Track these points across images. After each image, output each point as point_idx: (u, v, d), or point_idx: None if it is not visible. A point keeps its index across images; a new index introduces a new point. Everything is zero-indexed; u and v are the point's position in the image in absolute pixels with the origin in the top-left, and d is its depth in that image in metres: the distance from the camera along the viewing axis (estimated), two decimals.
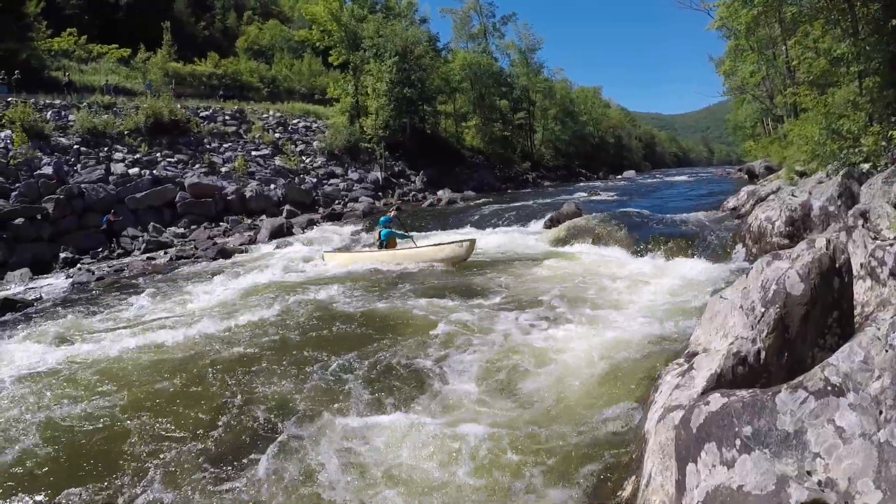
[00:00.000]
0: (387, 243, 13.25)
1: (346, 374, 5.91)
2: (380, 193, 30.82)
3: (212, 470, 4.33)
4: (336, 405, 5.23)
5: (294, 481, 4.09)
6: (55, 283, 13.19)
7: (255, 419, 5.08)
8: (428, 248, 12.79)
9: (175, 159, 24.90)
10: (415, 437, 4.58)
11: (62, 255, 16.34)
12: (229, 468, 4.34)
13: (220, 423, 5.05)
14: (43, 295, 11.89)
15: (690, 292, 8.37)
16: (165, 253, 16.61)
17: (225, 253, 15.87)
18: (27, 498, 4.16)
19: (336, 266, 12.87)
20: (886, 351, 2.34)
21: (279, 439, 4.62)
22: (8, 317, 10.02)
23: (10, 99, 24.01)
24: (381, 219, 14.04)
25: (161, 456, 4.57)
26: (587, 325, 7.00)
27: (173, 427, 5.06)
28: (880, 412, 2.23)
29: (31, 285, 13.21)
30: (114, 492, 4.16)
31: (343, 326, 7.78)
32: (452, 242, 12.70)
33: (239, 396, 5.56)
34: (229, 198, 23.22)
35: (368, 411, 5.10)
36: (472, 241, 12.60)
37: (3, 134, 20.77)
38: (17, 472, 4.47)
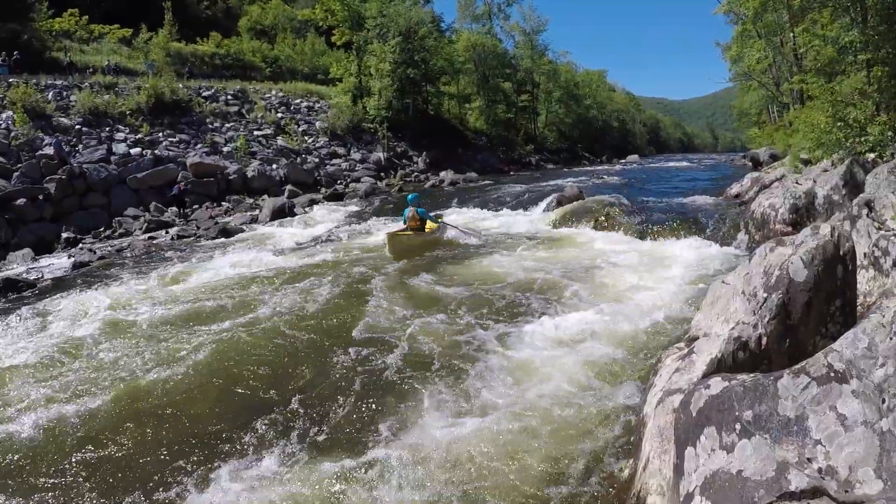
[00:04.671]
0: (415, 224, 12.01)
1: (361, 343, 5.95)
2: (382, 174, 30.67)
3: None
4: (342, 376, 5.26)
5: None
6: (57, 263, 13.18)
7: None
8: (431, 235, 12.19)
9: (177, 139, 24.74)
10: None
11: (64, 235, 16.30)
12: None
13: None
14: (44, 274, 11.91)
15: (692, 277, 8.36)
16: (167, 232, 16.55)
17: (227, 232, 15.82)
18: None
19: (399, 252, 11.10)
20: (891, 338, 2.32)
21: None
22: (10, 297, 10.03)
23: (11, 80, 23.81)
24: (413, 196, 12.60)
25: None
26: (587, 308, 7.00)
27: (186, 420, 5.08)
28: (883, 400, 2.21)
29: (33, 265, 13.21)
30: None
31: (362, 300, 7.79)
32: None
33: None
34: (231, 177, 23.10)
35: (373, 393, 5.14)
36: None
37: (4, 115, 20.59)
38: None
